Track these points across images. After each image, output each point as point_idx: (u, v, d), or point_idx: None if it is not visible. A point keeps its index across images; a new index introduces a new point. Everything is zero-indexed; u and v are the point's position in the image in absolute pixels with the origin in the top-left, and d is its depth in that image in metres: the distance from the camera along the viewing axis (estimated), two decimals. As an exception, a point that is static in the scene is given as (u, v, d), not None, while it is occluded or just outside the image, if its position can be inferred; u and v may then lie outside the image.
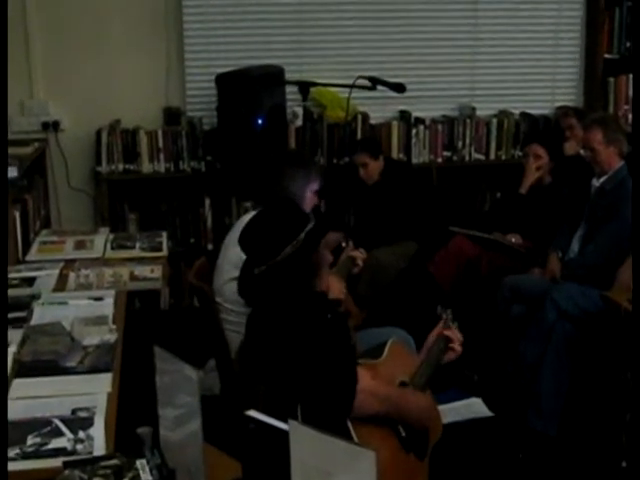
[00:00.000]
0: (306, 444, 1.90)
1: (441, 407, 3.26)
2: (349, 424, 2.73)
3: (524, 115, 6.55)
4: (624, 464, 4.14)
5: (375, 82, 5.25)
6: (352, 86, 5.22)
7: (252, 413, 2.24)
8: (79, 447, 2.53)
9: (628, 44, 6.44)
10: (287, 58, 6.15)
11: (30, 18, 5.94)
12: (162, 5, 6.10)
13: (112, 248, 4.79)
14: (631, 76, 6.34)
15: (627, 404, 4.13)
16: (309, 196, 3.99)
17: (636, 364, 3.59)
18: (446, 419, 3.25)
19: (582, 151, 5.74)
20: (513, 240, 5.55)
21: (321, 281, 3.07)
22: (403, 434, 2.92)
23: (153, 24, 6.11)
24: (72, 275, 4.26)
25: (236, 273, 3.78)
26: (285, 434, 1.98)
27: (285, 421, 2.19)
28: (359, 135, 6.27)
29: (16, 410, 2.74)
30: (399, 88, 5.29)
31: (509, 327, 5.04)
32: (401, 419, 2.91)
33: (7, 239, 4.18)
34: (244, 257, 3.54)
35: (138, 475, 2.26)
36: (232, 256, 3.87)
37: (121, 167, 6.05)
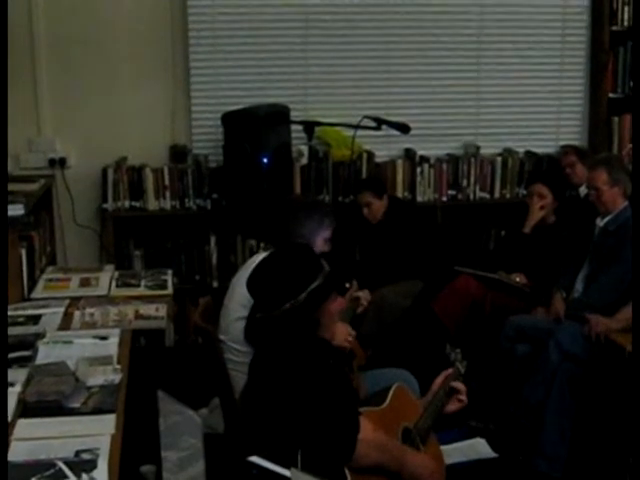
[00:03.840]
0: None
1: (444, 447, 3.25)
2: (347, 473, 2.71)
3: (529, 154, 6.57)
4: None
5: (380, 122, 5.28)
6: (357, 126, 5.26)
7: (255, 459, 2.25)
8: (82, 490, 2.52)
9: (632, 83, 6.46)
10: (293, 97, 6.20)
11: (38, 56, 5.99)
12: (169, 44, 6.15)
13: (117, 286, 4.82)
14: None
15: (630, 446, 4.12)
16: (319, 243, 3.95)
17: (637, 405, 3.58)
18: (449, 460, 3.23)
19: (581, 189, 5.80)
20: (517, 279, 5.55)
21: (325, 330, 3.05)
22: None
23: (160, 62, 6.16)
24: (77, 313, 4.26)
25: (242, 312, 3.79)
26: (287, 481, 1.98)
27: (286, 467, 2.20)
28: (364, 173, 6.29)
29: (19, 452, 2.73)
30: (404, 128, 5.33)
31: (513, 367, 5.03)
32: (400, 473, 2.89)
33: (7, 283, 4.16)
34: (251, 297, 3.55)
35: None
36: (239, 296, 3.86)
37: (127, 204, 6.07)
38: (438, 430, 3.20)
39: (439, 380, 3.26)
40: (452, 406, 3.23)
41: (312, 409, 2.75)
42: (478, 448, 3.51)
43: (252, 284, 3.08)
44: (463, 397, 3.23)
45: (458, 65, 6.53)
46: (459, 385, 3.23)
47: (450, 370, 3.29)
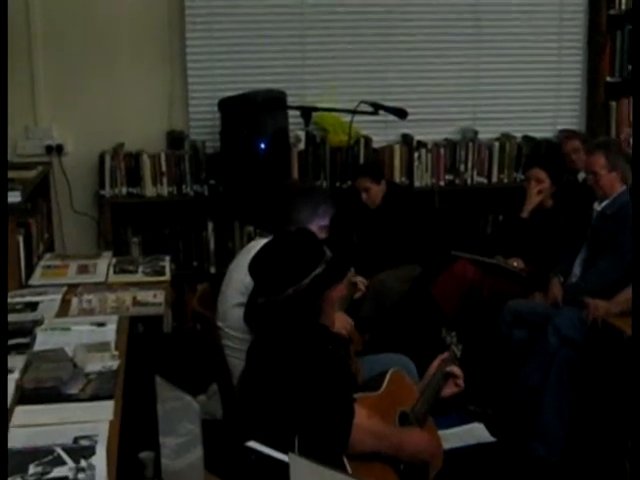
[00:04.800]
0: (306, 477, 1.91)
1: (442, 432, 3.26)
2: (345, 459, 2.72)
3: (526, 138, 6.56)
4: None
5: (377, 107, 5.29)
6: (354, 112, 5.26)
7: (253, 444, 2.25)
8: (81, 476, 2.52)
9: (630, 67, 6.44)
10: (290, 82, 6.17)
11: (35, 43, 5.97)
12: (166, 30, 6.14)
13: (115, 272, 4.81)
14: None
15: (628, 430, 4.13)
16: (315, 230, 3.81)
17: (636, 389, 3.59)
18: (447, 444, 3.24)
19: (580, 174, 5.79)
20: (515, 264, 5.54)
21: (325, 317, 3.05)
22: (401, 467, 2.91)
23: (157, 49, 6.14)
24: (75, 300, 4.27)
25: (240, 299, 3.79)
26: (285, 466, 1.99)
27: (284, 452, 2.20)
28: (362, 159, 6.28)
29: (18, 438, 2.74)
30: (401, 113, 5.33)
31: (511, 352, 5.03)
32: (398, 457, 2.89)
33: (6, 273, 4.16)
34: (248, 284, 3.55)
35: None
36: (236, 282, 3.86)
37: (124, 191, 6.06)
38: (436, 415, 3.21)
39: (435, 364, 3.27)
40: (449, 390, 3.24)
41: (308, 394, 2.75)
42: (476, 433, 3.52)
43: (255, 269, 3.08)
44: (460, 382, 3.23)
45: (456, 50, 6.51)
46: (456, 370, 3.23)
47: (446, 354, 3.29)
